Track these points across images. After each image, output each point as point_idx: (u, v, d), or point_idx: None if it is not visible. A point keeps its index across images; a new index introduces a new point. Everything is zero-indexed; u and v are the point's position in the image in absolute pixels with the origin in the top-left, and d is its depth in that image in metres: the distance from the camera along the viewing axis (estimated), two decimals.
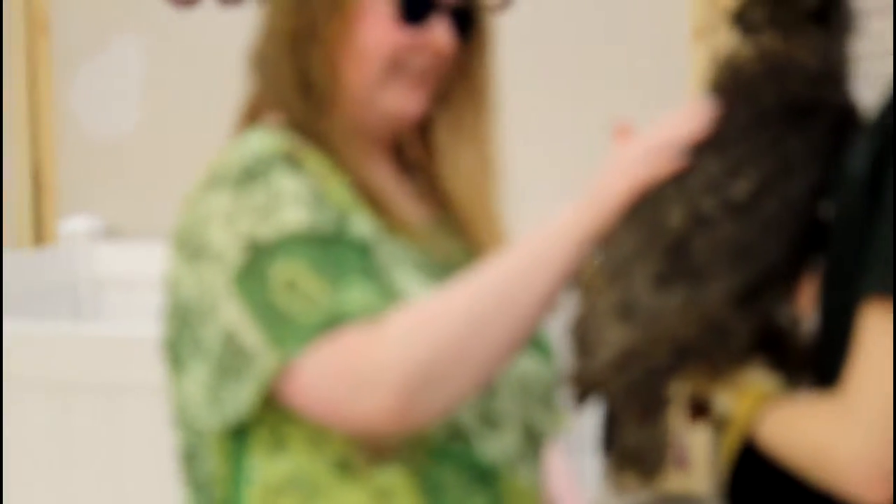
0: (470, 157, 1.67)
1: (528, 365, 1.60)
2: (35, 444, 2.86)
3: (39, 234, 4.14)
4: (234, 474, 1.53)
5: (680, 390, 1.38)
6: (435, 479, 1.51)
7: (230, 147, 1.56)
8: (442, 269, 1.60)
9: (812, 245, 1.38)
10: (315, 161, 1.55)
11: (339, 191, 1.54)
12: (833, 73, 1.40)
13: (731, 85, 1.40)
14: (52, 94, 4.06)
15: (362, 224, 1.53)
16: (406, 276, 1.54)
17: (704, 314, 1.34)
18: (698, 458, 2.80)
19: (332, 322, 1.42)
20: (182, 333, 1.53)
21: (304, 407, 1.45)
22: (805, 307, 1.43)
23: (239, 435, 1.52)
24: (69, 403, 2.83)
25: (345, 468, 1.50)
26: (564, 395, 1.55)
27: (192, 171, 1.61)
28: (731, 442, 1.39)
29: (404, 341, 1.41)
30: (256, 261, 1.46)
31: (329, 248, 1.46)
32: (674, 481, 2.81)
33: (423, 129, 1.69)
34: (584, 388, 1.41)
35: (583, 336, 1.41)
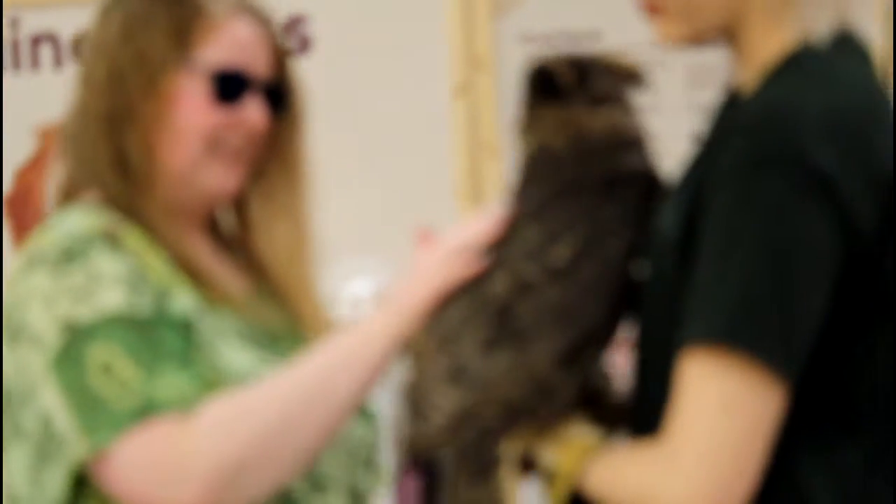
0: (284, 229, 1.71)
1: (353, 429, 1.65)
2: None
3: None
4: None
5: (510, 449, 1.45)
6: None
7: (48, 226, 1.57)
8: (265, 337, 1.64)
9: (627, 304, 1.45)
10: (134, 238, 1.57)
11: (158, 267, 1.57)
12: (625, 141, 1.49)
13: (541, 160, 1.48)
14: None
15: (183, 299, 1.55)
16: (230, 348, 1.58)
17: (531, 375, 1.41)
18: None
19: (146, 410, 1.46)
20: (4, 415, 1.54)
21: (120, 494, 1.49)
22: (620, 364, 1.52)
23: None
24: None
25: None
26: (390, 457, 1.60)
27: None
28: (558, 494, 1.45)
29: (214, 435, 1.46)
30: (74, 343, 1.48)
31: (147, 330, 1.50)
32: None
33: (239, 202, 1.73)
34: (418, 451, 1.47)
35: (415, 401, 1.47)
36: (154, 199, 1.61)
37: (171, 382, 1.48)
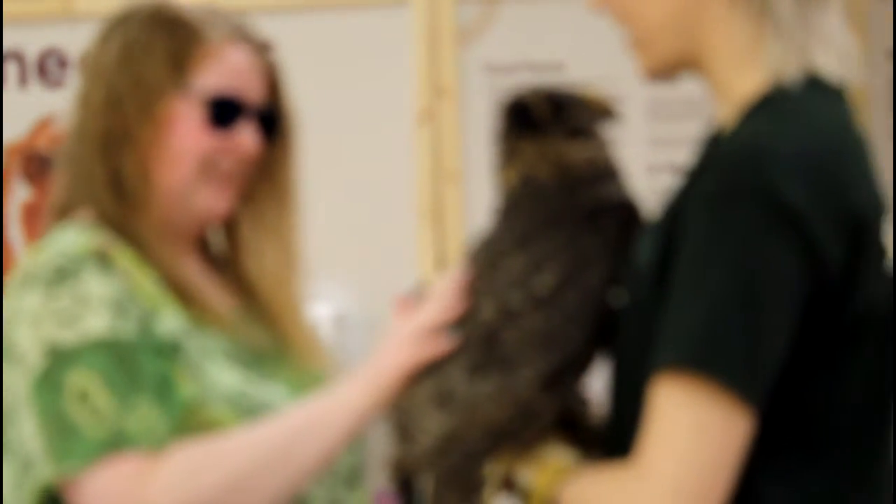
0: (273, 251, 1.75)
1: None
2: None
3: None
4: None
5: (494, 470, 1.49)
6: None
7: (43, 244, 1.61)
8: (251, 356, 1.68)
9: (605, 329, 1.50)
10: (125, 257, 1.61)
11: (148, 286, 1.61)
12: (604, 172, 1.53)
13: (526, 190, 1.52)
14: None
15: (170, 320, 1.60)
16: (217, 367, 1.62)
17: (516, 399, 1.45)
18: None
19: (115, 443, 1.51)
20: (4, 429, 1.59)
21: None
22: (595, 388, 1.56)
23: None
24: None
25: None
26: (373, 477, 1.65)
27: None
28: None
29: (174, 487, 1.51)
30: (54, 368, 1.53)
31: (127, 358, 1.54)
32: None
33: (228, 224, 1.77)
34: (405, 473, 1.51)
35: (403, 424, 1.51)
36: (147, 219, 1.65)
37: (143, 416, 1.52)
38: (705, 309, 1.32)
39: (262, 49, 1.73)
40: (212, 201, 1.69)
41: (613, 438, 1.48)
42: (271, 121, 1.73)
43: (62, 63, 3.43)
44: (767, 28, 1.43)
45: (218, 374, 1.61)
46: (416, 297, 1.57)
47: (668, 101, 3.25)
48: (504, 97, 1.55)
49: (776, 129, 1.36)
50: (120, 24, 1.69)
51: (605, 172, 1.54)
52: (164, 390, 1.55)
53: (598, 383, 1.54)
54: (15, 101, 3.45)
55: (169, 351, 1.57)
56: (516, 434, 1.47)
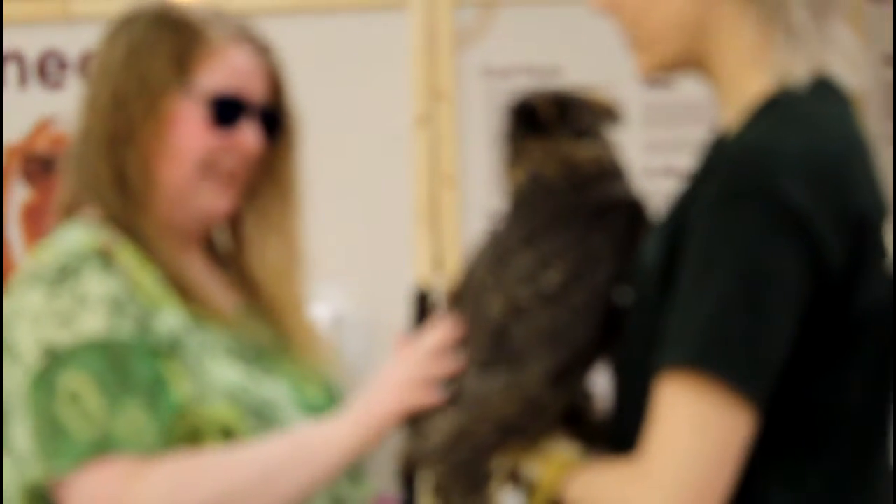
0: (276, 248, 1.77)
1: None
2: None
3: None
4: None
5: (501, 464, 1.50)
6: None
7: (49, 242, 1.62)
8: (253, 352, 1.70)
9: (611, 327, 1.51)
10: (128, 254, 1.63)
11: (149, 284, 1.62)
12: (611, 171, 1.55)
13: (534, 188, 1.53)
14: None
15: (170, 317, 1.61)
16: (217, 364, 1.63)
17: (524, 394, 1.47)
18: None
19: (103, 445, 1.53)
20: (4, 426, 1.60)
21: None
22: (601, 384, 1.58)
23: None
24: None
25: None
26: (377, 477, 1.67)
27: None
28: None
29: (161, 495, 1.53)
30: (50, 368, 1.55)
31: (121, 359, 1.56)
32: None
33: (233, 222, 1.78)
34: (414, 466, 1.53)
35: (416, 420, 1.54)
36: (151, 217, 1.66)
37: (132, 419, 1.54)
38: (710, 309, 1.34)
39: (264, 50, 1.74)
40: (214, 200, 1.70)
41: (618, 434, 1.50)
42: (273, 120, 1.75)
43: (62, 64, 3.44)
44: (778, 32, 1.44)
45: (219, 370, 1.63)
46: (415, 335, 1.59)
47: (665, 105, 3.26)
48: (508, 100, 1.57)
49: (781, 131, 1.38)
50: (125, 25, 1.70)
51: (613, 171, 1.55)
52: (155, 393, 1.56)
53: (602, 379, 1.56)
54: (15, 102, 3.45)
55: (166, 350, 1.59)
56: (525, 429, 1.49)
